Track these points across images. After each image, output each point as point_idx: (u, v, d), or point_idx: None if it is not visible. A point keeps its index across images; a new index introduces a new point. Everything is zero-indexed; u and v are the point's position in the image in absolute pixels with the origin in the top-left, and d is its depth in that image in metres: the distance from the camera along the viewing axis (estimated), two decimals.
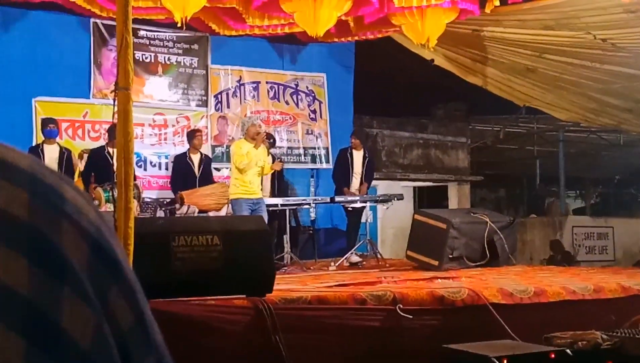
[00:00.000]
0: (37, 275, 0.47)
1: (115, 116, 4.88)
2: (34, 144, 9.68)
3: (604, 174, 21.51)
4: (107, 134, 9.59)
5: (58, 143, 9.60)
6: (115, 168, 9.09)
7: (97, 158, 9.40)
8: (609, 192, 23.05)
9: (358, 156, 10.68)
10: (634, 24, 9.69)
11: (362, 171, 10.59)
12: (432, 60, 12.25)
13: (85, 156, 9.72)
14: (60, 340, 0.47)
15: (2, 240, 0.47)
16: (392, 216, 14.40)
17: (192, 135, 10.29)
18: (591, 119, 13.97)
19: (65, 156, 9.43)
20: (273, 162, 9.42)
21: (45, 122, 9.59)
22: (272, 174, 9.91)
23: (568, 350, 4.91)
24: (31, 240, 0.48)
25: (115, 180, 4.78)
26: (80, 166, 9.62)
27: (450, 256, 8.23)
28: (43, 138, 9.44)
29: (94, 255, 0.51)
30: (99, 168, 9.02)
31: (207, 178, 10.17)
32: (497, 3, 9.25)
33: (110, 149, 9.34)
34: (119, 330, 0.51)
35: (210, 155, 11.15)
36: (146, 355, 0.53)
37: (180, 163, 10.18)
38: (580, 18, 9.88)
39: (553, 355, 4.81)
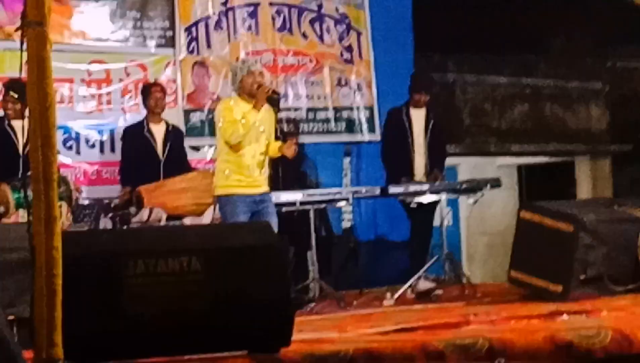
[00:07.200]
0: None
1: (24, 67, 4.76)
2: None
3: None
4: (3, 94, 8.74)
5: None
6: (27, 152, 9.17)
7: None
8: None
9: (419, 118, 9.91)
10: None
11: (426, 142, 9.94)
12: None
13: None
14: None
15: None
16: (483, 216, 14.18)
17: (148, 93, 9.61)
18: None
19: None
20: (283, 141, 8.54)
21: None
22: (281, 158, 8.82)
23: None
24: None
25: (28, 173, 4.63)
26: None
27: (583, 276, 8.10)
28: None
29: None
30: None
31: (177, 163, 9.52)
32: None
33: (15, 121, 8.77)
34: None
35: (183, 126, 10.30)
36: None
37: (134, 140, 9.57)
38: None
39: None
